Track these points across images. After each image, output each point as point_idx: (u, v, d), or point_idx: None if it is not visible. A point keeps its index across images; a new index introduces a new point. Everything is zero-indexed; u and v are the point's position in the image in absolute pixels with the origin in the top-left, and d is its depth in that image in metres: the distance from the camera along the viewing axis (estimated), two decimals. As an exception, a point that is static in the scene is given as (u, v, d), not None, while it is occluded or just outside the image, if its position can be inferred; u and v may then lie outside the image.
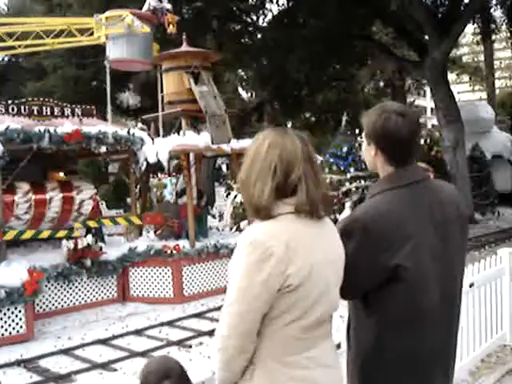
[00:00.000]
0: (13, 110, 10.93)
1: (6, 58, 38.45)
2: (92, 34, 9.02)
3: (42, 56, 28.78)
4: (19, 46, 9.14)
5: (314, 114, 32.19)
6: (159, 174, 25.66)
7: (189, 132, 11.51)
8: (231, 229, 15.04)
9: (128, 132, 11.38)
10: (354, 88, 32.18)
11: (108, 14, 8.89)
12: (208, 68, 12.36)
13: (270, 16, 29.37)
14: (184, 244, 11.33)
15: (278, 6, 28.44)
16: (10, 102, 11.15)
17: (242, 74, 35.71)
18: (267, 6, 29.82)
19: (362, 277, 2.44)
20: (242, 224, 15.31)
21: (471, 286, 6.14)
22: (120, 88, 34.34)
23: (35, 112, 11.14)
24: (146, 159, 11.45)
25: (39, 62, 29.54)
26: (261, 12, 30.12)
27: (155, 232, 12.99)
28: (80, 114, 11.68)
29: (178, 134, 11.89)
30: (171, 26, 9.27)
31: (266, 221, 2.17)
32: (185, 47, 12.41)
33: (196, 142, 11.24)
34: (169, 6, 9.47)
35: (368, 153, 2.63)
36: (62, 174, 12.32)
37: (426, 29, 20.34)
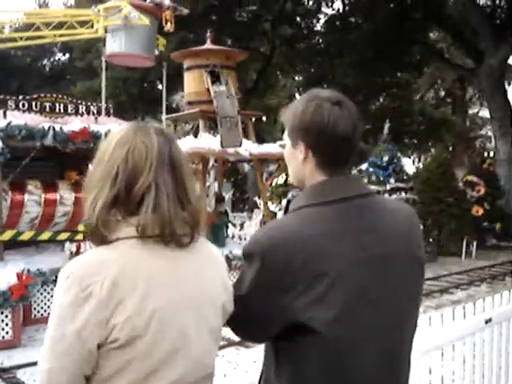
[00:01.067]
0: (23, 105, 10.56)
1: (63, 58, 39.10)
2: (92, 26, 8.53)
3: (93, 56, 28.93)
4: (20, 39, 8.73)
5: (367, 121, 31.07)
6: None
7: (205, 134, 10.84)
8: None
9: (141, 132, 10.81)
10: (411, 96, 30.97)
11: (106, 4, 8.38)
12: (231, 67, 11.68)
13: (322, 20, 28.58)
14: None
15: (333, 9, 27.66)
16: (20, 97, 10.81)
17: (299, 79, 35.01)
18: (323, 9, 29.17)
19: (256, 321, 1.82)
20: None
21: (488, 322, 5.14)
22: (173, 88, 34.29)
23: (47, 109, 10.73)
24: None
25: (91, 62, 29.65)
26: (316, 16, 29.48)
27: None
28: (95, 111, 11.22)
29: (195, 135, 11.24)
30: (169, 24, 8.66)
31: (101, 247, 1.58)
32: (207, 45, 11.81)
33: (211, 145, 10.56)
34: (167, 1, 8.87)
35: (293, 157, 1.94)
36: (76, 174, 11.86)
37: (482, 34, 19.10)
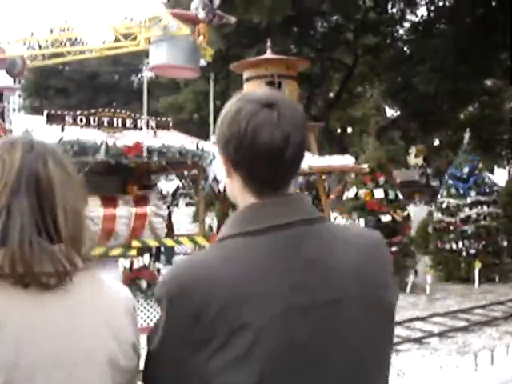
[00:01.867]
0: (81, 121, 10.55)
1: (149, 75, 39.99)
2: (136, 38, 8.34)
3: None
4: (68, 53, 8.68)
5: (454, 131, 29.71)
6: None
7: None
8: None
9: (197, 146, 10.57)
10: (502, 104, 29.36)
11: (149, 16, 8.16)
12: (292, 77, 11.22)
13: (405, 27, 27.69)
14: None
15: (416, 16, 26.71)
16: (78, 112, 10.83)
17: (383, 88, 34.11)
18: (407, 16, 28.26)
19: (165, 380, 1.41)
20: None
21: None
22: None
23: (105, 123, 10.68)
24: (215, 177, 10.56)
25: (174, 78, 30.07)
26: (400, 23, 28.60)
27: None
28: (154, 126, 11.08)
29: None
30: (201, 37, 8.29)
31: None
32: (267, 54, 11.43)
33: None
34: (217, 8, 8.51)
35: (224, 174, 1.57)
36: (137, 188, 11.79)
37: None
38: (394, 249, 13.68)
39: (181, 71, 9.03)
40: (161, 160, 10.25)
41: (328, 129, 31.22)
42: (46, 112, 10.71)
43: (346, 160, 11.10)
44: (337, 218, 14.69)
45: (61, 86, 37.14)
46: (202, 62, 8.86)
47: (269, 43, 11.57)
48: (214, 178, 10.59)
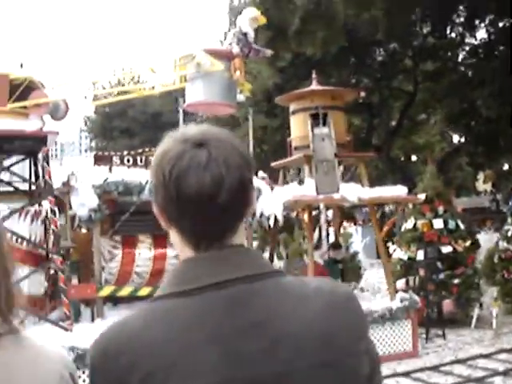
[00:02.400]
0: (128, 161, 10.61)
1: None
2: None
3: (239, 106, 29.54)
4: (110, 95, 8.77)
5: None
6: (344, 222, 24.39)
7: (309, 181, 10.19)
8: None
9: (243, 181, 10.43)
10: None
11: (182, 54, 8.14)
12: (338, 108, 10.98)
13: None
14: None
15: (475, 39, 26.06)
16: (125, 152, 10.91)
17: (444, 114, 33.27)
18: (466, 40, 27.61)
19: None
20: (399, 284, 13.43)
21: None
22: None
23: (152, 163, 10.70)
24: (262, 212, 10.35)
25: (234, 114, 30.30)
26: (460, 48, 27.97)
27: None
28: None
29: (300, 183, 10.63)
30: (238, 73, 8.16)
31: None
32: (313, 86, 11.27)
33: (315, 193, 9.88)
34: (255, 45, 8.40)
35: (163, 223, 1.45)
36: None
37: None
38: (456, 281, 13.07)
39: (217, 108, 8.96)
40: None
41: (390, 158, 30.64)
42: (93, 153, 10.83)
43: (398, 190, 10.69)
44: (396, 251, 14.19)
45: (125, 127, 38.18)
46: (241, 98, 8.76)
47: (314, 75, 11.40)
48: (261, 214, 10.39)
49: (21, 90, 8.92)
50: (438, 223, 13.46)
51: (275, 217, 10.80)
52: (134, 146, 31.81)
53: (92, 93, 9.57)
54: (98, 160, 10.47)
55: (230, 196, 1.28)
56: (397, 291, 12.68)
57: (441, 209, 13.64)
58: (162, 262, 10.70)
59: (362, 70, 27.90)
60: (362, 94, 30.79)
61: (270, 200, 10.26)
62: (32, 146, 8.98)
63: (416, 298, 10.88)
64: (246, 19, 8.42)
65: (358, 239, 25.66)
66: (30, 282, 9.38)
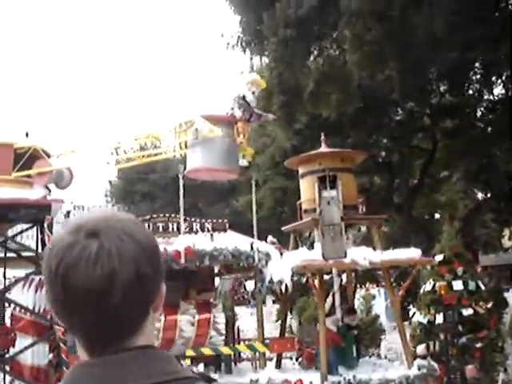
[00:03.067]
0: (148, 227, 10.52)
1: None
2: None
3: (253, 170, 29.61)
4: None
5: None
6: (367, 284, 23.84)
7: (318, 245, 9.96)
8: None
9: (251, 247, 10.24)
10: None
11: (181, 120, 8.13)
12: (348, 170, 10.82)
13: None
14: (312, 379, 9.51)
15: (493, 95, 25.98)
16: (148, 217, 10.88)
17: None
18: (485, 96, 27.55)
19: None
20: (419, 349, 12.93)
21: None
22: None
23: (160, 229, 10.60)
24: (271, 278, 10.12)
25: (251, 177, 30.33)
26: (478, 105, 27.90)
27: (297, 359, 11.41)
28: (211, 228, 10.91)
29: (310, 247, 10.41)
30: (241, 137, 8.10)
31: None
32: (322, 148, 11.17)
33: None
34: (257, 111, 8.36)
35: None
36: (196, 293, 11.47)
37: None
38: (479, 345, 12.54)
39: (217, 173, 8.90)
40: (213, 263, 9.99)
41: (412, 217, 30.22)
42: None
43: (411, 253, 10.39)
44: (415, 314, 13.72)
45: (146, 191, 38.44)
46: (244, 163, 8.68)
47: (323, 137, 11.30)
48: (271, 280, 10.15)
49: (25, 159, 8.99)
50: (458, 285, 13.03)
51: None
52: (155, 209, 31.94)
53: (114, 158, 9.58)
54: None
55: (124, 292, 1.13)
56: (417, 357, 12.22)
57: (460, 270, 13.22)
58: (173, 330, 10.46)
59: (379, 129, 27.88)
60: (380, 153, 30.74)
61: (279, 265, 10.04)
62: (36, 214, 8.96)
63: (435, 365, 10.40)
64: (246, 84, 8.43)
65: (381, 301, 25.08)
66: (33, 353, 9.22)
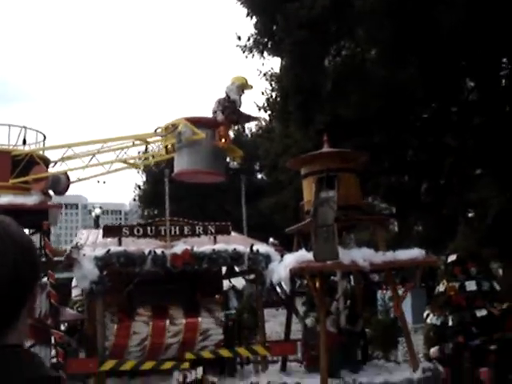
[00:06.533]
0: (138, 231, 10.56)
1: (260, 176, 40.66)
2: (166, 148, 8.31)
3: (279, 171, 29.59)
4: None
5: None
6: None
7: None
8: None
9: (251, 249, 10.20)
10: None
11: (166, 124, 8.10)
12: (350, 170, 10.67)
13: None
14: (309, 383, 9.39)
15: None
16: (135, 223, 10.91)
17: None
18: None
19: None
20: (432, 351, 12.66)
21: None
22: (363, 195, 33.50)
23: (162, 232, 10.61)
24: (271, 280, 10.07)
25: (277, 178, 30.36)
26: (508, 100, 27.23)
27: (302, 362, 11.30)
28: (213, 231, 10.87)
29: (310, 249, 10.27)
30: (223, 140, 8.01)
31: None
32: (324, 149, 11.04)
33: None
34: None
35: None
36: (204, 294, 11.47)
37: None
38: (493, 347, 12.20)
39: (204, 176, 8.86)
40: (212, 266, 9.97)
41: (442, 216, 29.70)
42: (103, 226, 10.91)
43: (414, 253, 10.17)
44: (429, 316, 13.43)
45: (173, 193, 38.23)
46: (235, 165, 8.61)
47: (325, 137, 11.17)
48: (271, 283, 10.08)
49: (22, 166, 9.12)
50: (471, 285, 12.72)
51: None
52: (181, 211, 32.09)
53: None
54: (107, 232, 10.47)
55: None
56: (432, 359, 11.97)
57: (473, 270, 12.91)
58: (161, 337, 10.46)
59: (405, 128, 27.46)
60: (407, 152, 30.17)
61: (279, 267, 9.95)
62: (33, 219, 9.07)
63: (440, 368, 10.16)
64: (233, 87, 8.36)
65: (407, 303, 24.64)
66: (35, 357, 9.33)
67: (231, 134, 8.49)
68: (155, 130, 8.26)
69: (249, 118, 8.75)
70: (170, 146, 8.22)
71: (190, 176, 8.94)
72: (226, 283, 12.94)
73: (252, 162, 41.71)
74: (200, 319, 10.60)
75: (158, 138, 8.20)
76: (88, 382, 9.75)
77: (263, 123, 38.34)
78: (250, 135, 41.59)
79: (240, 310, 19.52)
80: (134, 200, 43.17)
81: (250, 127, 44.61)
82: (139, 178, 42.23)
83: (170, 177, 8.94)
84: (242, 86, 8.38)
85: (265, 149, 32.11)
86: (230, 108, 8.22)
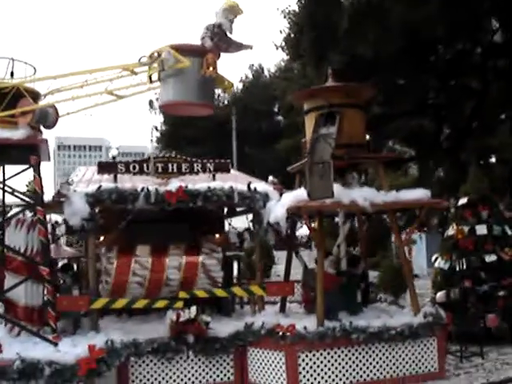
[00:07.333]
0: (134, 168, 10.21)
1: (278, 118, 40.09)
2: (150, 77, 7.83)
3: (295, 114, 28.92)
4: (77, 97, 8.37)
5: None
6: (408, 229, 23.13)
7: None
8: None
9: (248, 187, 9.83)
10: None
11: (149, 52, 7.61)
12: (355, 105, 10.13)
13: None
14: (305, 324, 9.14)
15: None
16: (131, 160, 10.56)
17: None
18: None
19: None
20: (439, 296, 12.37)
21: None
22: (383, 138, 32.84)
23: (159, 169, 10.26)
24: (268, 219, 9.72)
25: (294, 120, 29.68)
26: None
27: (301, 303, 11.08)
28: (212, 169, 10.49)
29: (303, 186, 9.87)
30: (210, 69, 7.49)
31: None
32: (328, 83, 10.51)
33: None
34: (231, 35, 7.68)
35: None
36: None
37: None
38: (501, 293, 11.86)
39: (191, 108, 8.39)
40: (207, 204, 9.63)
41: (461, 161, 28.97)
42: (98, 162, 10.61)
43: (418, 194, 9.71)
44: (437, 260, 13.08)
45: (192, 136, 38.22)
46: (226, 97, 8.15)
47: (330, 70, 10.60)
48: (268, 222, 9.74)
49: (9, 99, 8.74)
50: (481, 229, 12.30)
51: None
52: (201, 154, 31.79)
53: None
54: (102, 169, 10.15)
55: None
56: (437, 303, 11.68)
57: (484, 214, 12.46)
58: (160, 274, 10.27)
59: (426, 69, 26.49)
60: (428, 94, 29.24)
61: (277, 206, 9.60)
62: (20, 154, 8.76)
63: (442, 313, 9.83)
64: (222, 11, 7.81)
65: (422, 247, 24.34)
66: (27, 293, 9.17)
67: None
68: (139, 59, 7.79)
69: (240, 47, 8.21)
70: (153, 76, 7.78)
71: (175, 108, 8.49)
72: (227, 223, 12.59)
73: (271, 103, 41.14)
74: (200, 258, 10.37)
75: (146, 68, 7.76)
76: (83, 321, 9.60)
77: (282, 64, 37.46)
78: (268, 76, 40.71)
79: (250, 250, 19.36)
80: (151, 141, 42.91)
81: (269, 68, 43.91)
82: (158, 119, 41.88)
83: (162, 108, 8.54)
84: (231, 10, 7.80)
85: (282, 89, 31.38)
86: (219, 34, 7.72)
